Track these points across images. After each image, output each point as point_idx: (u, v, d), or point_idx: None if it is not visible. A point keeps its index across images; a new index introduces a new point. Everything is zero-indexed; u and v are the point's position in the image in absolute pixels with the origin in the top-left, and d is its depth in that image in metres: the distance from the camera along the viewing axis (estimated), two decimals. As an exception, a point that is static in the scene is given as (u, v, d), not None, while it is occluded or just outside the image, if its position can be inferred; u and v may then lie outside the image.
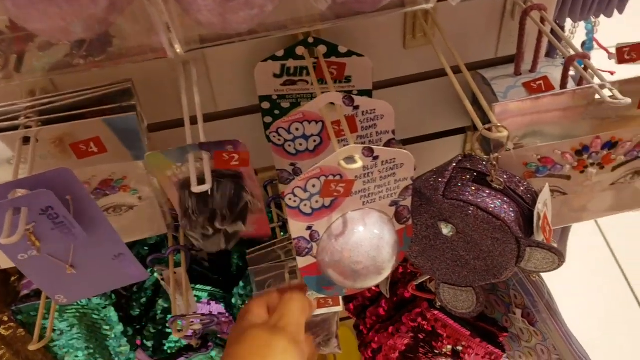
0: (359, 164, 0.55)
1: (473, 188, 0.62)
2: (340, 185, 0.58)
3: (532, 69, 0.79)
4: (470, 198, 0.61)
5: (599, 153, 0.67)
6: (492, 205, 0.60)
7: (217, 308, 0.90)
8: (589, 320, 1.87)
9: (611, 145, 0.67)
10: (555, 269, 0.61)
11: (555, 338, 0.86)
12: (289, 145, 0.66)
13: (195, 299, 0.87)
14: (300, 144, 0.66)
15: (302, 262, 0.62)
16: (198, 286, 0.89)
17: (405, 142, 0.93)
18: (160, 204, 0.75)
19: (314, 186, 0.56)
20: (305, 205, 0.58)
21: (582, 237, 2.07)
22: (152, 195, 0.73)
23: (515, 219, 0.61)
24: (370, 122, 0.66)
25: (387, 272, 0.64)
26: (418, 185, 0.65)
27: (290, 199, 0.56)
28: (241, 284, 0.87)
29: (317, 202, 0.58)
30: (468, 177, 0.63)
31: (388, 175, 0.60)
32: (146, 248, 0.90)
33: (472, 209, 0.61)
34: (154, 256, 0.80)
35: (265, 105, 0.73)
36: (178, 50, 0.52)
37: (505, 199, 0.61)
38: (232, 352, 0.58)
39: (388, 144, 0.69)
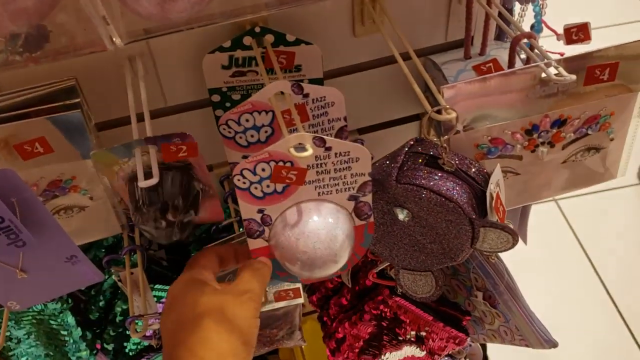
0: (309, 151, 0.55)
1: (425, 171, 0.62)
2: (292, 172, 0.57)
3: (482, 52, 0.80)
4: (422, 182, 0.61)
5: (548, 132, 0.68)
6: (444, 188, 0.60)
7: (179, 307, 0.88)
8: (552, 299, 1.90)
9: (560, 123, 0.68)
10: (510, 248, 0.61)
11: (517, 319, 0.87)
12: (240, 137, 0.65)
13: (156, 299, 0.86)
14: (252, 136, 0.66)
15: (253, 244, 0.61)
16: (158, 286, 0.87)
17: (361, 131, 0.93)
18: (113, 204, 0.73)
19: (263, 170, 0.56)
20: (256, 188, 0.57)
21: (543, 217, 2.11)
22: (104, 195, 0.72)
23: (467, 200, 0.61)
24: (321, 109, 0.65)
25: (343, 262, 0.63)
26: (372, 172, 0.65)
27: (238, 180, 0.56)
28: (201, 281, 0.85)
29: (268, 186, 0.58)
30: (420, 160, 0.63)
31: (343, 168, 0.59)
32: (103, 250, 0.88)
33: (425, 192, 0.61)
34: (110, 257, 0.78)
35: (216, 98, 0.72)
36: (118, 43, 0.51)
37: (457, 180, 0.62)
38: (182, 338, 0.55)
39: (340, 131, 0.68)
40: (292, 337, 0.88)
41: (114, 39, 0.51)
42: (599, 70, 0.65)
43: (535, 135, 0.68)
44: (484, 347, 1.23)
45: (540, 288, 1.92)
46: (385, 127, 0.94)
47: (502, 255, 0.98)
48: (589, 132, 0.71)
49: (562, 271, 2.01)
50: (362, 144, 0.92)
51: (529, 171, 0.72)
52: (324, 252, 0.61)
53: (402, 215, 0.65)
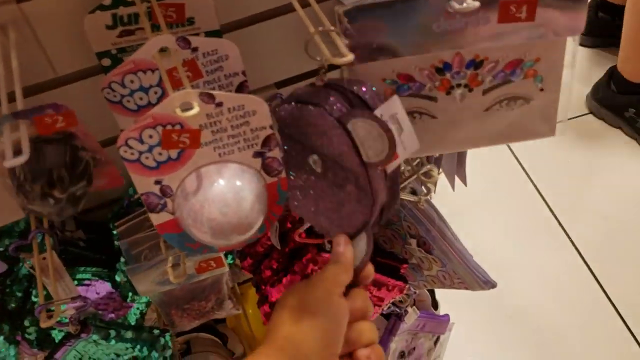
0: (196, 109, 0.50)
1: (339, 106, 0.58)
2: (184, 135, 0.53)
3: (392, -11, 0.75)
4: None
5: (462, 72, 0.64)
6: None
7: (104, 288, 0.84)
8: (503, 235, 1.91)
9: (476, 64, 0.64)
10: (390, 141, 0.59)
11: (453, 263, 0.85)
12: (128, 101, 0.60)
13: (77, 282, 0.81)
14: (141, 98, 0.60)
15: (156, 219, 0.57)
16: (80, 268, 0.83)
17: (280, 85, 0.88)
18: (7, 186, 0.67)
19: (151, 137, 0.51)
20: (147, 158, 0.53)
21: (488, 151, 2.10)
22: (-2, 177, 0.66)
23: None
24: (215, 64, 0.60)
25: (257, 224, 0.60)
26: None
27: (125, 152, 0.52)
28: (122, 259, 0.81)
29: (160, 154, 0.53)
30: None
31: (241, 124, 0.55)
32: (17, 237, 0.83)
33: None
34: (17, 243, 0.73)
35: (106, 62, 0.66)
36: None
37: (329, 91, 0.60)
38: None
39: (241, 87, 0.63)
40: (222, 307, 0.84)
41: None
42: (514, 7, 0.59)
43: (448, 75, 0.64)
44: (432, 292, 1.22)
45: (490, 225, 1.92)
46: (304, 78, 0.89)
47: (445, 198, 0.96)
48: (512, 78, 0.66)
49: (511, 205, 2.01)
50: (282, 98, 0.88)
51: (447, 115, 0.67)
52: (233, 217, 0.57)
53: (313, 161, 0.61)
